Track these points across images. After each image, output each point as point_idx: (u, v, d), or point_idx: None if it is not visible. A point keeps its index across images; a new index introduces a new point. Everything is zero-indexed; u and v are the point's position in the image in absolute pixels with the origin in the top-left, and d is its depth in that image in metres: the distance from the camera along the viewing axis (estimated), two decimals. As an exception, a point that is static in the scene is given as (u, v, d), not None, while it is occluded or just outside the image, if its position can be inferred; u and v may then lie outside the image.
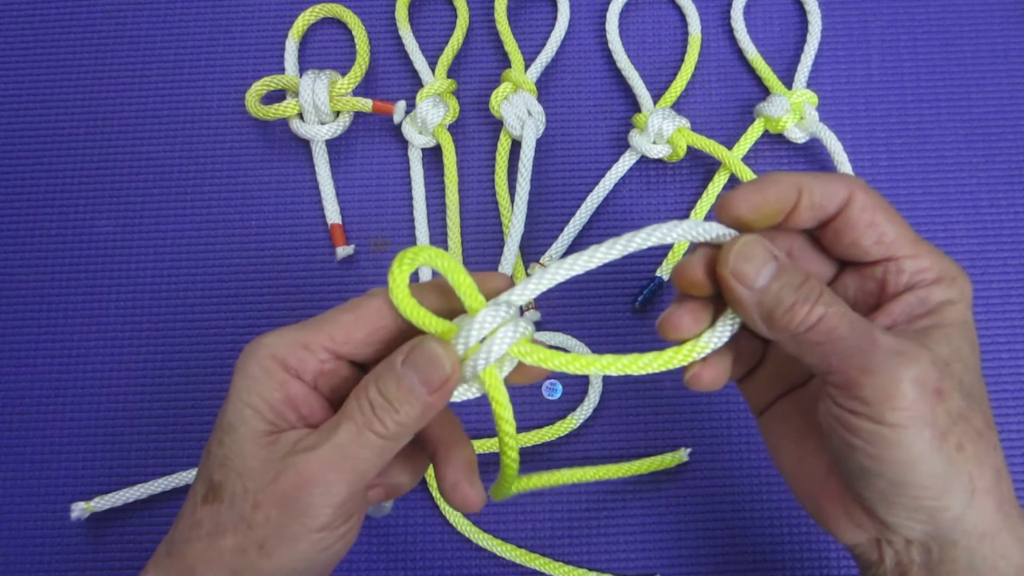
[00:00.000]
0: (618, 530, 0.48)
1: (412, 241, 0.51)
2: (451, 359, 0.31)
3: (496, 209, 0.52)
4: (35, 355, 0.50)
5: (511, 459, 0.32)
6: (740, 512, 0.47)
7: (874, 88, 0.53)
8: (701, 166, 0.52)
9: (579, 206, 0.51)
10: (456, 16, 0.54)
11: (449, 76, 0.53)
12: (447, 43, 0.54)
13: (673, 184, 0.52)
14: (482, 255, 0.51)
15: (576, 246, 0.51)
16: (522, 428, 0.48)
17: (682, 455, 0.47)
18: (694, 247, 0.32)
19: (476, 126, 0.53)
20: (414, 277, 0.50)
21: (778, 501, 0.47)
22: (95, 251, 0.52)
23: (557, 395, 0.49)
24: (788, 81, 0.53)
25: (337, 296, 0.51)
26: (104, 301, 0.51)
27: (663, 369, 0.31)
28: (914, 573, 0.30)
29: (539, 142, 0.52)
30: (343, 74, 0.52)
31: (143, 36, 0.55)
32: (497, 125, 0.53)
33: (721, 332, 0.32)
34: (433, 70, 0.53)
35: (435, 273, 0.49)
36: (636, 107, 0.53)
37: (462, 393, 0.32)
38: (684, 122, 0.50)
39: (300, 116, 0.51)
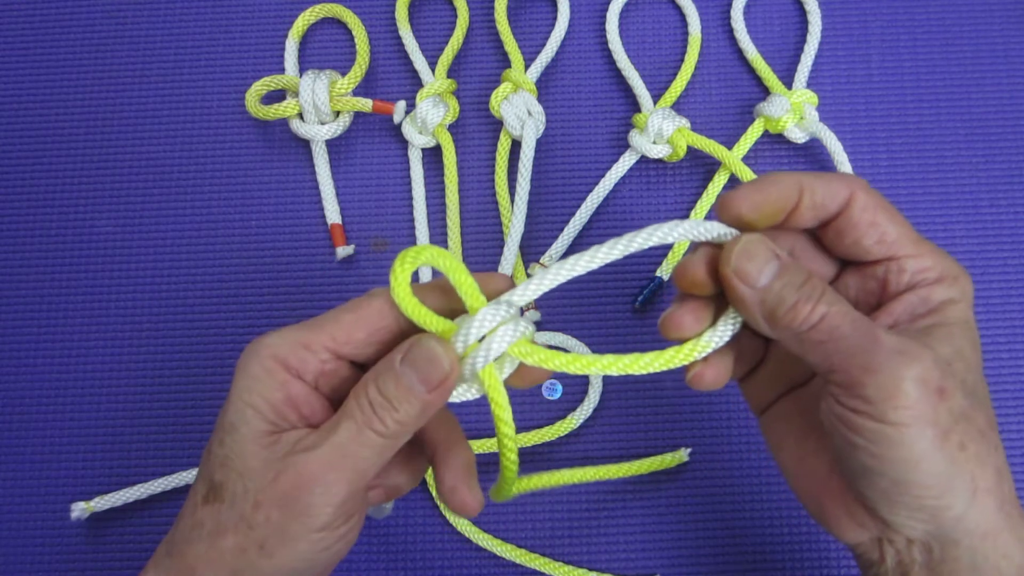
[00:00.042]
0: (618, 530, 0.47)
1: (412, 241, 0.51)
2: (450, 357, 0.31)
3: (496, 209, 0.52)
4: (35, 355, 0.50)
5: (510, 460, 0.32)
6: (740, 512, 0.47)
7: (874, 88, 0.53)
8: (701, 166, 0.52)
9: (579, 206, 0.51)
10: (456, 16, 0.54)
11: (449, 76, 0.53)
12: (447, 43, 0.54)
13: (673, 184, 0.52)
14: (482, 255, 0.51)
15: (576, 246, 0.51)
16: (522, 428, 0.48)
17: (682, 455, 0.47)
18: (695, 246, 0.32)
19: (476, 126, 0.53)
20: (414, 277, 0.49)
21: (778, 501, 0.47)
22: (95, 251, 0.52)
23: (557, 395, 0.49)
24: (788, 81, 0.53)
25: (337, 296, 0.51)
26: (104, 301, 0.51)
27: (664, 369, 0.31)
28: (915, 572, 0.30)
29: (539, 142, 0.52)
30: (343, 74, 0.52)
31: (143, 36, 0.55)
32: (497, 125, 0.53)
33: (723, 331, 0.31)
34: (433, 70, 0.53)
35: (436, 273, 0.49)
36: (636, 107, 0.53)
37: (461, 394, 0.32)
38: (684, 122, 0.50)
39: (300, 116, 0.51)
